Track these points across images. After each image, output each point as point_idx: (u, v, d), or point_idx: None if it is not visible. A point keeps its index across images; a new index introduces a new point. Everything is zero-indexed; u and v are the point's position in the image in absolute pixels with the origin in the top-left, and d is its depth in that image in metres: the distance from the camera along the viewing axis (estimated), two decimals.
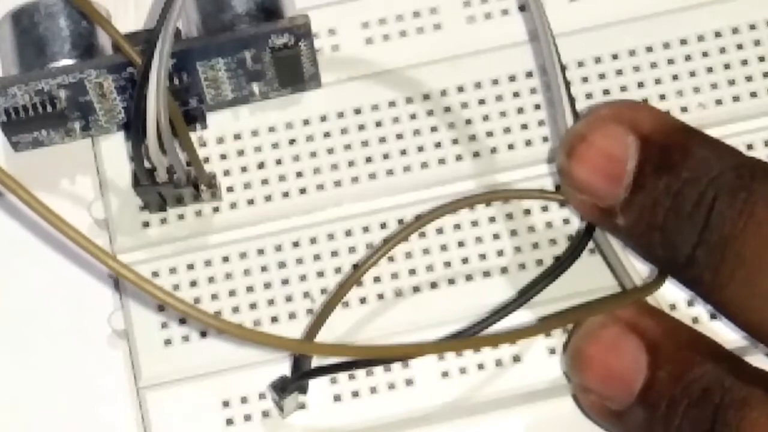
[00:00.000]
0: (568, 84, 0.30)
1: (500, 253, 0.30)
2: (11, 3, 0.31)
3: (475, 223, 0.30)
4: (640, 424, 0.28)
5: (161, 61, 0.28)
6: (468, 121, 0.31)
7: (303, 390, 0.29)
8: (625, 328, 0.28)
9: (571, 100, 0.30)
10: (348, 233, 0.30)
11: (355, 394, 0.29)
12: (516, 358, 0.29)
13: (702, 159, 0.28)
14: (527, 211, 0.31)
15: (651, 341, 0.28)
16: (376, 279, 0.30)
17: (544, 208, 0.30)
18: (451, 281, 0.30)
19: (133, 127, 0.29)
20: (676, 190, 0.27)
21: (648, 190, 0.28)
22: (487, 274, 0.30)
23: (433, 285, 0.30)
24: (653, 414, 0.27)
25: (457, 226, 0.30)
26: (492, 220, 0.30)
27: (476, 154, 0.31)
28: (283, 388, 0.29)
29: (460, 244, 0.30)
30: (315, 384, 0.29)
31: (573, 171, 0.29)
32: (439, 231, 0.30)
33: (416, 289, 0.30)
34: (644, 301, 0.29)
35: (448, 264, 0.30)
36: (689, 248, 0.27)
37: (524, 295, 0.29)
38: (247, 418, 0.29)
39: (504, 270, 0.30)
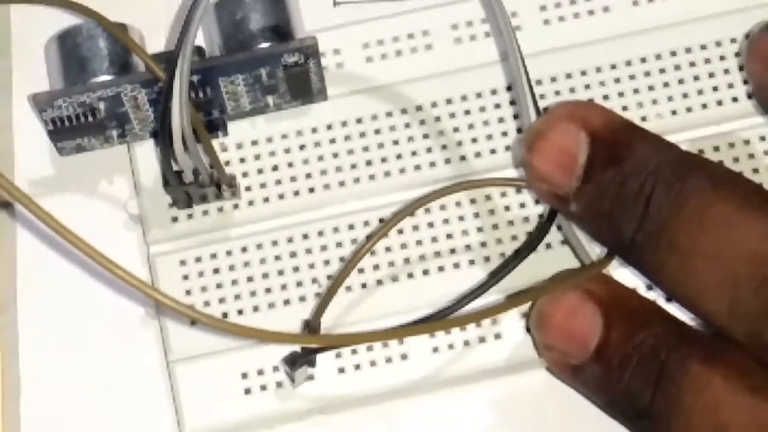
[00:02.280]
0: (531, 87, 0.30)
1: (483, 244, 0.30)
2: (57, 26, 0.31)
3: (462, 218, 0.30)
4: (595, 377, 0.28)
5: (181, 78, 0.28)
6: (455, 129, 0.31)
7: (311, 363, 0.29)
8: (584, 295, 0.29)
9: (535, 101, 0.30)
10: (351, 227, 0.30)
11: (357, 366, 0.29)
12: (497, 336, 0.29)
13: (643, 154, 0.28)
14: (507, 207, 0.31)
15: (605, 306, 0.28)
16: (375, 266, 0.30)
17: (522, 205, 0.31)
18: (441, 268, 0.30)
19: (161, 135, 0.29)
20: (620, 182, 0.28)
21: (596, 181, 0.28)
22: (471, 262, 0.30)
23: (425, 272, 0.30)
24: (607, 369, 0.28)
25: (446, 221, 0.31)
26: (476, 215, 0.30)
27: (462, 158, 0.31)
28: (293, 362, 0.29)
29: (448, 236, 0.30)
30: (322, 358, 0.29)
31: (533, 163, 0.29)
32: (430, 225, 0.30)
33: (410, 275, 0.30)
34: (601, 272, 0.30)
35: (437, 253, 0.30)
36: (631, 233, 0.28)
37: (497, 274, 0.29)
38: (263, 388, 0.29)
39: (487, 258, 0.30)
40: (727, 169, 0.29)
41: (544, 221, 0.30)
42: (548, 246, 0.30)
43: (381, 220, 0.31)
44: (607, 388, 0.28)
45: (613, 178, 0.28)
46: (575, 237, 0.30)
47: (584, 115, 0.29)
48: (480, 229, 0.31)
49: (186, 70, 0.28)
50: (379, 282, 0.30)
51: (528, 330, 0.30)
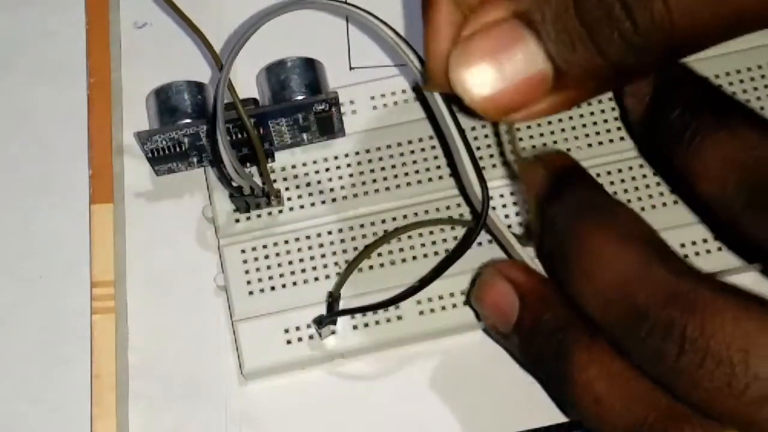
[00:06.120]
0: (464, 136, 0.29)
1: (434, 243, 0.31)
2: (154, 83, 0.32)
3: (421, 234, 0.31)
4: (515, 345, 0.28)
5: (221, 125, 0.28)
6: (436, 157, 0.32)
7: (334, 322, 0.30)
8: (508, 283, 0.28)
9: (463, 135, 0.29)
10: (362, 226, 0.31)
11: (366, 324, 0.30)
12: (454, 305, 0.30)
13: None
14: (453, 228, 0.31)
15: (522, 291, 0.27)
16: (379, 254, 0.31)
17: (461, 214, 0.31)
18: (415, 257, 0.31)
19: (216, 163, 0.31)
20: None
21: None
22: (436, 253, 0.31)
23: (404, 260, 0.31)
24: (522, 340, 0.27)
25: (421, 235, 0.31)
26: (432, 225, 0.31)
27: (429, 179, 0.32)
28: (320, 321, 0.30)
29: (416, 235, 0.31)
30: (341, 319, 0.30)
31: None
32: (409, 237, 0.31)
33: (393, 263, 0.31)
34: (525, 263, 0.28)
35: (412, 247, 0.31)
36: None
37: (448, 262, 0.30)
38: (299, 339, 0.30)
39: (436, 253, 0.31)
40: (631, 218, 0.26)
41: (477, 229, 0.29)
42: (479, 244, 0.31)
43: (383, 221, 0.31)
44: (523, 354, 0.28)
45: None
46: (502, 235, 0.30)
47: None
48: (432, 233, 0.31)
49: (222, 125, 0.28)
50: (381, 265, 0.31)
51: (468, 303, 0.30)
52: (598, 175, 0.32)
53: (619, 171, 0.32)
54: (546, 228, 0.26)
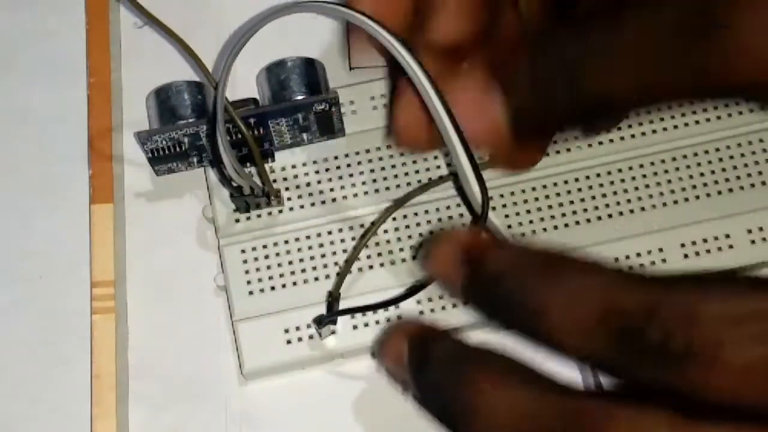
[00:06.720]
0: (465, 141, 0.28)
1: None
2: (154, 83, 0.32)
3: (419, 224, 0.31)
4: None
5: (221, 125, 0.29)
6: (425, 160, 0.32)
7: (334, 322, 0.30)
8: (402, 335, 0.27)
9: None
10: (361, 226, 0.31)
11: (366, 324, 0.30)
12: (454, 305, 0.30)
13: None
14: (451, 217, 0.31)
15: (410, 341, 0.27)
16: (379, 254, 0.31)
17: (461, 215, 0.31)
18: (415, 257, 0.31)
19: (216, 163, 0.31)
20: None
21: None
22: None
23: (404, 260, 0.31)
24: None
25: (412, 225, 0.31)
26: (429, 222, 0.31)
27: (430, 179, 0.32)
28: (320, 321, 0.30)
29: (418, 235, 0.31)
30: (341, 319, 0.31)
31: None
32: (407, 226, 0.31)
33: (393, 263, 0.31)
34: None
35: (413, 247, 0.31)
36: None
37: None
38: (299, 339, 0.30)
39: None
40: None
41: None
42: None
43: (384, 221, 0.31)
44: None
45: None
46: (501, 236, 0.30)
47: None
48: (431, 233, 0.31)
49: (222, 126, 0.29)
50: (381, 265, 0.31)
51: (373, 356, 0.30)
52: (598, 174, 0.32)
53: (608, 173, 0.32)
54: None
